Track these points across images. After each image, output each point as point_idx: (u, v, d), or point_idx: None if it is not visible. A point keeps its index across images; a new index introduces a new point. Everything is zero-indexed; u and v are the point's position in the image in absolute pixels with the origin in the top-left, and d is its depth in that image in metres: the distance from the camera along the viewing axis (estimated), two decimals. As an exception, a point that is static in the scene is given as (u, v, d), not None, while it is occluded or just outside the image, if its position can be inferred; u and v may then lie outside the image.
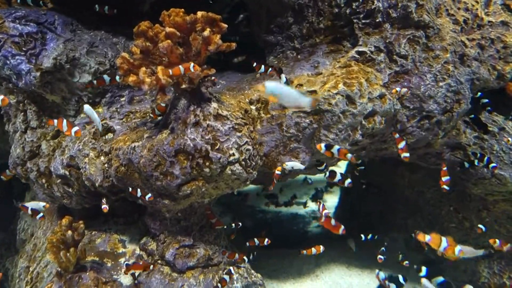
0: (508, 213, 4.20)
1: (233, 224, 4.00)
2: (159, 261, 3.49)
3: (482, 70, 3.76)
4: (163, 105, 3.38)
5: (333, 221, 3.16)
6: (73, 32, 3.81)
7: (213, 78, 3.33)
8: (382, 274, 3.62)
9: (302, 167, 3.15)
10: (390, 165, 4.92)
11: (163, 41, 2.79)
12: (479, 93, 3.90)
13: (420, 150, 3.86)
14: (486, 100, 3.92)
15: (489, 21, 3.94)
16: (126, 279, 3.38)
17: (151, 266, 3.39)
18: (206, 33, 2.81)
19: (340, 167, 7.64)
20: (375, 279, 4.57)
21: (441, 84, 3.47)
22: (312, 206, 7.53)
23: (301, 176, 8.31)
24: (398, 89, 3.37)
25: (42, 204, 3.66)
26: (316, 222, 6.65)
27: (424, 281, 3.21)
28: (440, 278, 3.10)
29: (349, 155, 2.98)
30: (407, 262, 3.99)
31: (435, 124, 3.57)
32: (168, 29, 2.80)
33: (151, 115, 3.47)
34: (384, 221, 5.55)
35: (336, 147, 3.01)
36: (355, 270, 4.75)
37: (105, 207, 3.44)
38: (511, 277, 4.33)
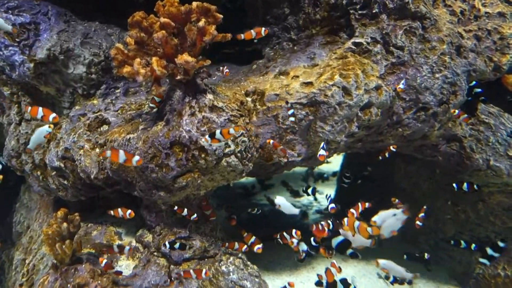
0: (504, 204, 4.21)
1: (255, 209, 4.03)
2: (155, 253, 3.49)
3: (479, 62, 3.75)
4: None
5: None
6: (67, 23, 3.76)
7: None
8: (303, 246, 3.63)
9: (221, 144, 2.88)
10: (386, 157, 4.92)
11: (157, 31, 2.76)
12: (473, 82, 3.87)
13: (416, 142, 3.86)
14: (479, 90, 3.90)
15: (486, 12, 3.92)
16: (122, 271, 3.38)
17: (204, 271, 3.07)
18: (201, 23, 2.79)
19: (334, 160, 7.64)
20: (370, 271, 4.60)
21: (437, 75, 3.46)
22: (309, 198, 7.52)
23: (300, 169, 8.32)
24: (402, 86, 3.36)
25: (46, 128, 3.31)
26: (317, 214, 6.66)
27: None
28: (340, 238, 3.16)
29: (231, 130, 2.70)
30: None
31: (431, 116, 3.56)
32: (162, 20, 2.77)
33: (151, 104, 3.43)
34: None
35: (218, 130, 2.70)
36: (351, 261, 4.76)
37: None
38: (506, 267, 4.36)
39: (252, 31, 2.87)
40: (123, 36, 3.97)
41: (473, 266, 4.51)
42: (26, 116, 3.96)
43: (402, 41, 3.44)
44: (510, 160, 3.82)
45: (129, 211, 3.28)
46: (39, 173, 3.83)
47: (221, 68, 3.62)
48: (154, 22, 2.83)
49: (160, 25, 2.79)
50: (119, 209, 3.33)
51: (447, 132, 3.87)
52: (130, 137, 3.12)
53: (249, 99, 3.41)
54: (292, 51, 3.89)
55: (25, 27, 3.58)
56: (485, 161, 3.82)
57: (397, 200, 4.06)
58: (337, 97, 3.20)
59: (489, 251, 3.56)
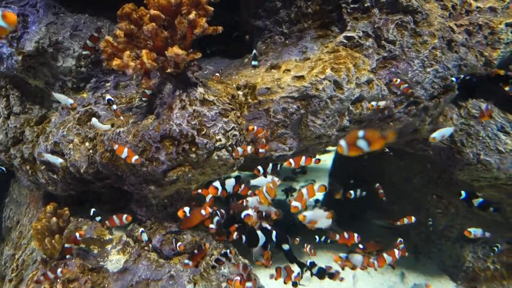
0: (494, 198, 4.25)
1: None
2: (146, 248, 3.47)
3: (470, 56, 3.76)
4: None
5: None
6: (56, 15, 3.71)
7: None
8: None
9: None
10: (377, 151, 4.94)
11: (147, 24, 2.72)
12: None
13: (407, 136, 3.87)
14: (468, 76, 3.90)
15: (477, 7, 3.93)
16: (112, 266, 3.36)
17: None
18: (192, 16, 2.76)
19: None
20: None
21: (428, 70, 3.46)
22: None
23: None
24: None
25: (70, 101, 3.31)
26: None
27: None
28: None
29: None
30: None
31: (422, 110, 3.57)
32: (152, 12, 2.74)
33: (143, 98, 3.40)
34: (371, 207, 5.60)
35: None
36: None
37: None
38: (495, 261, 4.41)
39: None
40: (113, 29, 3.92)
41: (463, 260, 4.56)
42: (15, 110, 3.91)
43: (394, 35, 3.44)
44: (500, 154, 3.84)
45: (125, 215, 3.25)
46: (28, 167, 3.79)
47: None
48: (144, 15, 2.79)
49: (150, 17, 2.76)
50: (114, 217, 3.26)
51: (438, 126, 3.88)
52: (120, 131, 3.10)
53: (240, 92, 3.39)
54: (283, 44, 3.87)
55: (13, 19, 3.52)
56: (475, 155, 3.85)
57: (377, 185, 4.11)
58: (328, 91, 3.19)
59: None
